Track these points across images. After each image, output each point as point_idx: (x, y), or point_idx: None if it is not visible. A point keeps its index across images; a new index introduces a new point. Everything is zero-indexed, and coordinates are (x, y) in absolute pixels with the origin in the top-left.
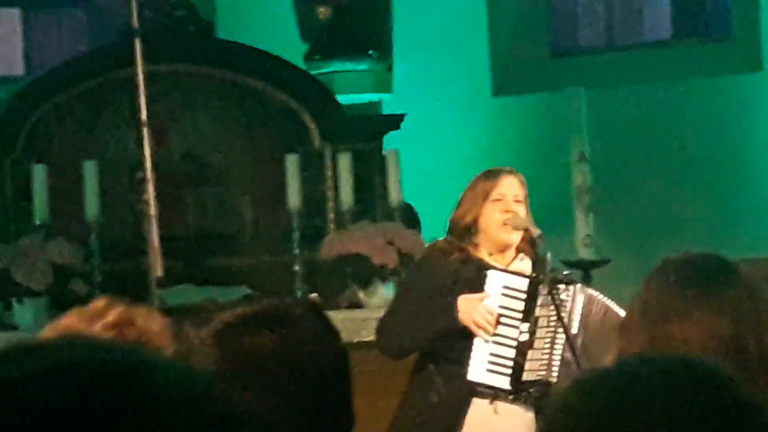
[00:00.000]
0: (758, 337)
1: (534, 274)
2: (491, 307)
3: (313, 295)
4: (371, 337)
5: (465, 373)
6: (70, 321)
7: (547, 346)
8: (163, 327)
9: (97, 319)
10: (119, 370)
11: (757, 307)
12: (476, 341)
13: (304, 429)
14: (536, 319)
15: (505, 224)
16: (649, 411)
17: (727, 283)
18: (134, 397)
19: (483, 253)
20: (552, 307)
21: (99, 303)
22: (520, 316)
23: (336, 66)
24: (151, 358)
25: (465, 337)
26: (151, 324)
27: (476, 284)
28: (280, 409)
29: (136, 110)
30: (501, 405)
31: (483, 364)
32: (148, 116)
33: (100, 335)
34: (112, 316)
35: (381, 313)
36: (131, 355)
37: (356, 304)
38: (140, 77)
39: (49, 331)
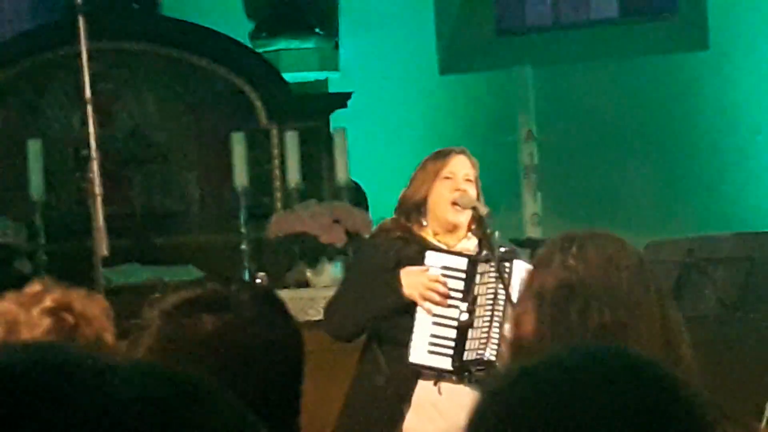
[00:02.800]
0: (670, 303)
1: (472, 253)
2: (435, 276)
3: (261, 274)
4: (319, 317)
5: (408, 355)
6: (7, 306)
7: (486, 323)
8: (103, 310)
9: (34, 303)
10: (38, 374)
11: (657, 274)
12: (417, 323)
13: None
14: (475, 297)
15: (454, 203)
16: (583, 402)
17: (631, 254)
18: (49, 403)
19: (428, 233)
20: (490, 285)
21: (36, 287)
22: (459, 295)
23: (282, 44)
24: (75, 361)
25: (409, 317)
26: (89, 308)
27: (417, 265)
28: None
29: (81, 88)
30: (445, 385)
31: (424, 346)
32: (93, 94)
33: (38, 321)
34: (49, 300)
35: (328, 293)
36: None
37: (304, 283)
38: (84, 55)
39: None
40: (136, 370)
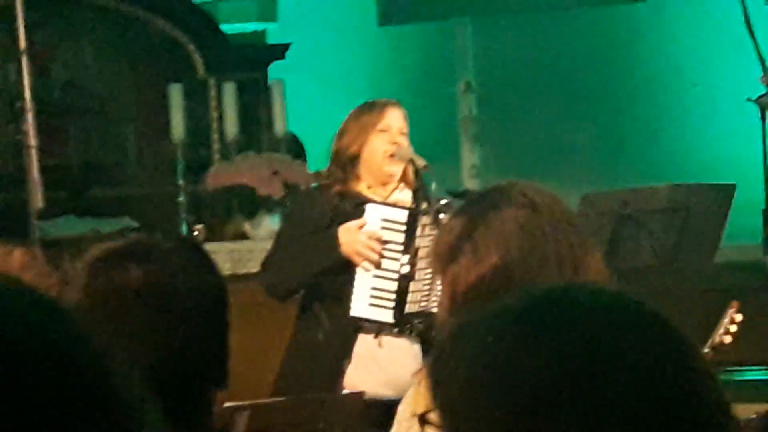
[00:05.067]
0: (585, 250)
1: (413, 205)
2: (373, 234)
3: (198, 226)
4: (257, 269)
5: (348, 309)
6: None
7: (428, 276)
8: (23, 264)
9: None
10: None
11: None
12: (358, 276)
13: (172, 363)
14: (416, 250)
15: (392, 156)
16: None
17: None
18: None
19: (362, 187)
20: (431, 238)
21: None
22: (400, 248)
23: None
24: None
25: (348, 272)
26: (8, 262)
27: (354, 219)
28: (147, 342)
29: (16, 38)
30: (386, 339)
31: (365, 299)
32: (28, 45)
33: None
34: None
35: (267, 245)
36: None
37: (242, 236)
38: (19, 4)
39: None
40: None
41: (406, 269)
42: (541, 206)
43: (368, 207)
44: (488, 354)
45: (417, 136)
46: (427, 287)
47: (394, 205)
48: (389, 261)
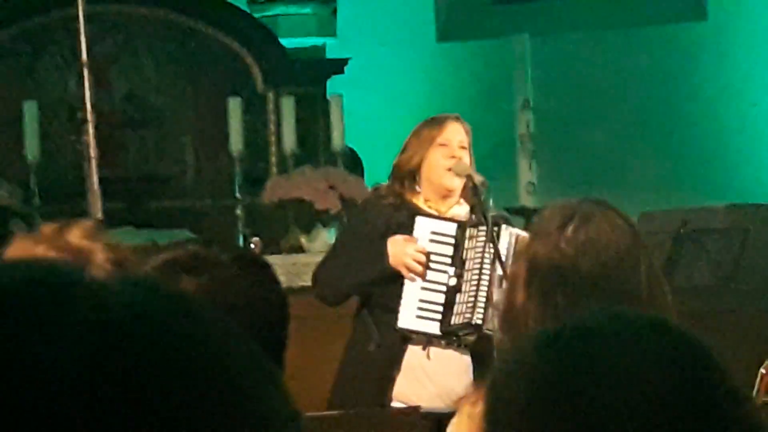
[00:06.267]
0: (657, 281)
1: (462, 219)
2: (420, 248)
3: (255, 239)
4: None
5: (397, 320)
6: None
7: (474, 288)
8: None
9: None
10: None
11: (648, 249)
12: (405, 288)
13: None
14: (464, 262)
15: (449, 170)
16: (614, 368)
17: (625, 233)
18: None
19: (420, 200)
20: (478, 250)
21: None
22: (448, 260)
23: (280, 9)
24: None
25: (398, 284)
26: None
27: (407, 230)
28: None
29: (77, 51)
30: (434, 350)
31: (412, 311)
32: (90, 57)
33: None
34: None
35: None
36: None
37: (298, 249)
38: (81, 17)
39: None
40: (129, 286)
41: (453, 281)
42: (634, 224)
43: (418, 219)
44: (547, 381)
45: (474, 152)
46: (473, 299)
47: (444, 218)
48: (437, 273)
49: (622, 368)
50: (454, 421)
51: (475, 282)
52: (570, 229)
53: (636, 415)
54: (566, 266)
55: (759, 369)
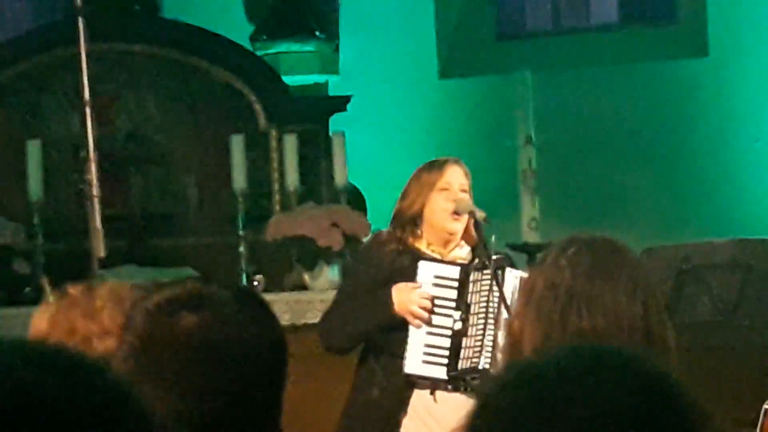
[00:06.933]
0: (659, 317)
1: (465, 261)
2: (425, 294)
3: (258, 276)
4: (316, 319)
5: (403, 366)
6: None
7: (480, 331)
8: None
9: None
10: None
11: (651, 286)
12: (411, 333)
13: (221, 414)
14: (469, 306)
15: (452, 213)
16: (581, 404)
17: (626, 265)
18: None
19: (422, 244)
20: (483, 293)
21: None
22: (453, 304)
23: (282, 47)
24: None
25: (403, 329)
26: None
27: (411, 275)
28: (197, 392)
29: (80, 89)
30: (440, 394)
31: (419, 356)
32: (92, 95)
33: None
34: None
35: (326, 296)
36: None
37: (301, 286)
38: (83, 56)
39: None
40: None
41: (458, 325)
42: (640, 272)
43: (421, 264)
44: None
45: (477, 188)
46: (479, 342)
47: (447, 262)
48: (442, 317)
49: (587, 406)
50: None
51: (481, 325)
52: (571, 251)
53: None
54: (561, 283)
55: (762, 405)
